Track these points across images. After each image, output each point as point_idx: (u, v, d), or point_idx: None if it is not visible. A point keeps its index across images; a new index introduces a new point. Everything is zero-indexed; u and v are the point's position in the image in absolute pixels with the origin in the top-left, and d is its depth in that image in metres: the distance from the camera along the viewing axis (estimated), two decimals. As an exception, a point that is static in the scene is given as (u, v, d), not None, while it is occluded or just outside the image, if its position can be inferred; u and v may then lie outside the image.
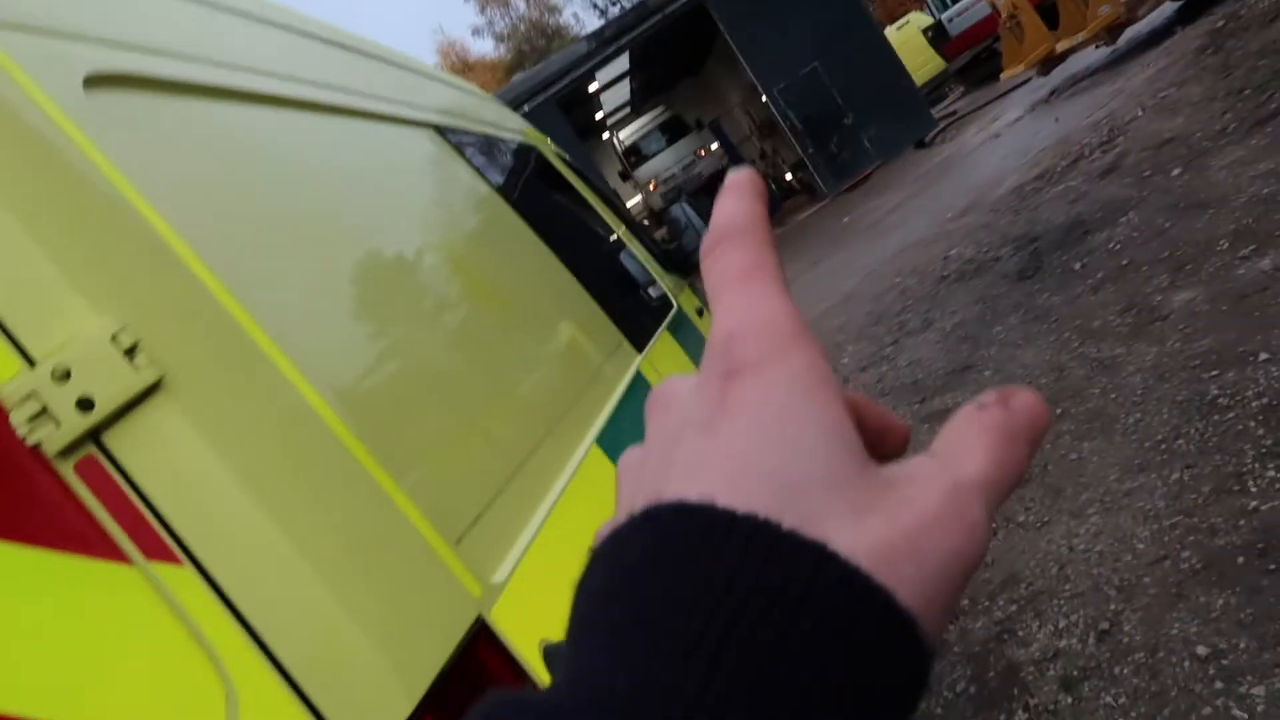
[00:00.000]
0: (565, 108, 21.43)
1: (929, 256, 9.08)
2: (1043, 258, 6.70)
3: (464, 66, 58.05)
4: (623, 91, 28.26)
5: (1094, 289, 5.56)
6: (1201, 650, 2.60)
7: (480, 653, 1.11)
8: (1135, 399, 4.06)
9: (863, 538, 0.27)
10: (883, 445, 0.37)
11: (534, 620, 1.24)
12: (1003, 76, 16.41)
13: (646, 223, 23.40)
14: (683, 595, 0.26)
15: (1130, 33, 13.42)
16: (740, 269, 0.33)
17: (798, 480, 0.28)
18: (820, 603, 0.26)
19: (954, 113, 21.73)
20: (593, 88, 23.99)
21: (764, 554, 0.26)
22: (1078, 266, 6.06)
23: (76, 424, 0.93)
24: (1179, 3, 13.01)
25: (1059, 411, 4.37)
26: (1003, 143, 13.46)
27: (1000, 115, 16.58)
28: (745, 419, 0.30)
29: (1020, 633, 3.10)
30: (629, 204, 25.92)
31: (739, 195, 0.36)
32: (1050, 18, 14.00)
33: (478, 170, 2.69)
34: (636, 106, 31.35)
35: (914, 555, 0.28)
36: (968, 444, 0.32)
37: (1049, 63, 14.58)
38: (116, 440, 0.96)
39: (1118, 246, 5.94)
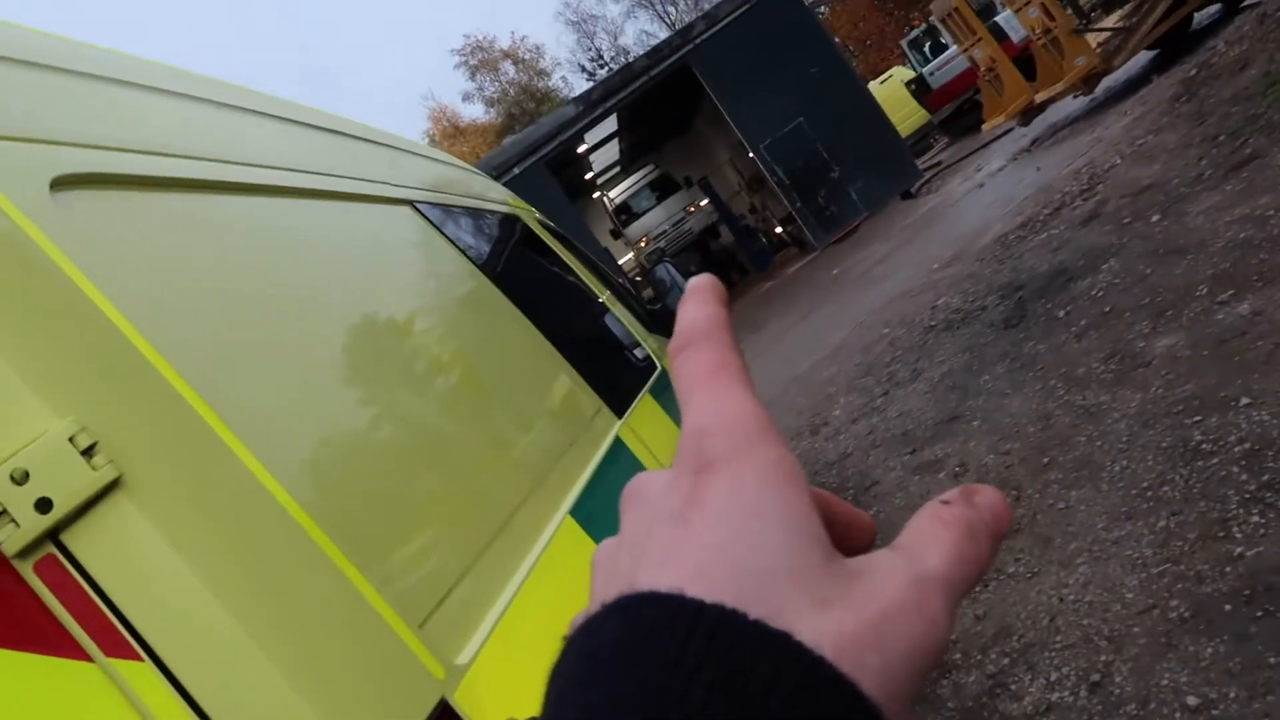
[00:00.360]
0: (555, 169, 21.65)
1: (917, 306, 9.14)
2: (1027, 306, 6.75)
3: (455, 131, 58.65)
4: (612, 151, 28.57)
5: (1078, 336, 5.59)
6: (1192, 700, 2.59)
7: None
8: (1121, 446, 4.08)
9: (827, 628, 0.28)
10: (850, 540, 0.37)
11: (498, 700, 1.24)
12: (984, 127, 16.65)
13: (639, 279, 23.51)
14: (652, 681, 0.26)
15: (1107, 82, 13.64)
16: (707, 370, 0.35)
17: (764, 572, 0.29)
18: (785, 691, 0.26)
19: (938, 163, 21.96)
20: (582, 149, 24.25)
21: (730, 643, 0.27)
22: (1062, 314, 6.10)
23: (35, 524, 0.94)
24: (1153, 52, 13.25)
25: (1046, 460, 4.38)
26: (986, 192, 13.61)
27: (983, 165, 16.76)
28: (715, 512, 0.30)
29: (1013, 686, 3.08)
30: (621, 261, 26.09)
31: (701, 300, 0.38)
32: (1028, 69, 14.25)
33: (456, 244, 2.71)
34: (626, 166, 31.70)
35: (877, 646, 0.28)
36: (931, 539, 0.33)
37: (1029, 113, 14.80)
38: (75, 539, 0.97)
39: (1100, 293, 5.99)
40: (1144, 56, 13.45)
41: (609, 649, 0.28)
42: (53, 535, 0.97)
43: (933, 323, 8.09)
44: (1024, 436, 4.79)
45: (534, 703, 1.11)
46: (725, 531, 0.30)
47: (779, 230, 26.62)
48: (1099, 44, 13.59)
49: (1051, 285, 6.80)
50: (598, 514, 2.03)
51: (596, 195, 31.43)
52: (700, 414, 0.33)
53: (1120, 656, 2.89)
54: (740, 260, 26.94)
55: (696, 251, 26.76)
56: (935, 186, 18.96)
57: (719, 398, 0.34)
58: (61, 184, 1.26)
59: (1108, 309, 5.66)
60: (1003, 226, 9.99)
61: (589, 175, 29.90)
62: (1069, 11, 13.39)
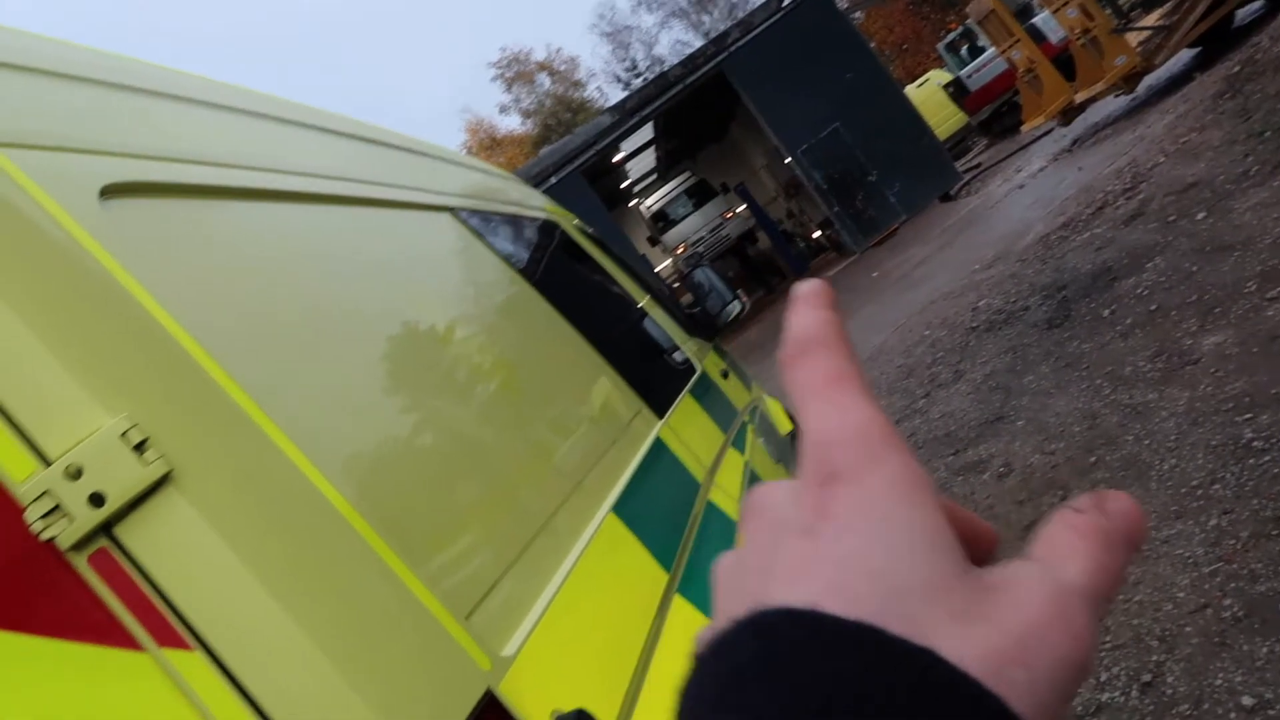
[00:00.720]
0: (592, 178, 21.74)
1: (958, 308, 9.07)
2: (1071, 306, 6.68)
3: (492, 143, 59.02)
4: (648, 159, 28.64)
5: (1124, 335, 5.52)
6: (1247, 701, 2.54)
7: None
8: (1169, 445, 4.02)
9: (970, 643, 0.27)
10: (972, 550, 0.36)
11: (544, 691, 1.25)
12: (1024, 128, 16.48)
13: (676, 285, 23.52)
14: (792, 700, 0.26)
15: (1149, 80, 13.46)
16: (824, 377, 0.34)
17: (901, 585, 0.28)
18: (932, 709, 0.25)
19: (978, 165, 21.77)
20: (618, 157, 24.32)
21: (872, 659, 0.26)
22: (1106, 313, 6.03)
23: (89, 519, 0.96)
24: (1195, 50, 13.06)
25: (1093, 459, 4.32)
26: (1027, 193, 13.48)
27: (1024, 166, 16.60)
28: (845, 525, 0.30)
29: (1062, 688, 3.04)
30: (658, 268, 26.10)
31: (813, 305, 0.37)
32: (1067, 69, 14.10)
33: (495, 249, 2.74)
34: (662, 173, 31.74)
35: (1023, 662, 0.27)
36: (1067, 549, 0.32)
37: (1069, 113, 14.63)
38: (127, 533, 0.99)
39: (1146, 292, 5.91)
40: (1186, 54, 13.25)
41: (746, 668, 0.28)
42: (106, 529, 0.99)
43: (974, 324, 8.03)
44: (1069, 436, 4.74)
45: (579, 694, 1.12)
46: (858, 545, 0.29)
47: (816, 235, 26.51)
48: (1139, 43, 13.41)
49: (1095, 285, 6.72)
50: (640, 511, 2.03)
51: (633, 204, 31.50)
52: (822, 424, 0.33)
53: (1172, 656, 2.85)
54: (778, 265, 26.87)
55: (734, 257, 26.72)
56: (975, 188, 18.80)
57: (840, 406, 0.33)
58: (110, 192, 1.29)
59: (1154, 307, 5.59)
60: (1044, 227, 9.89)
61: (625, 184, 29.99)
62: (1108, 11, 13.25)
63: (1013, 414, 5.55)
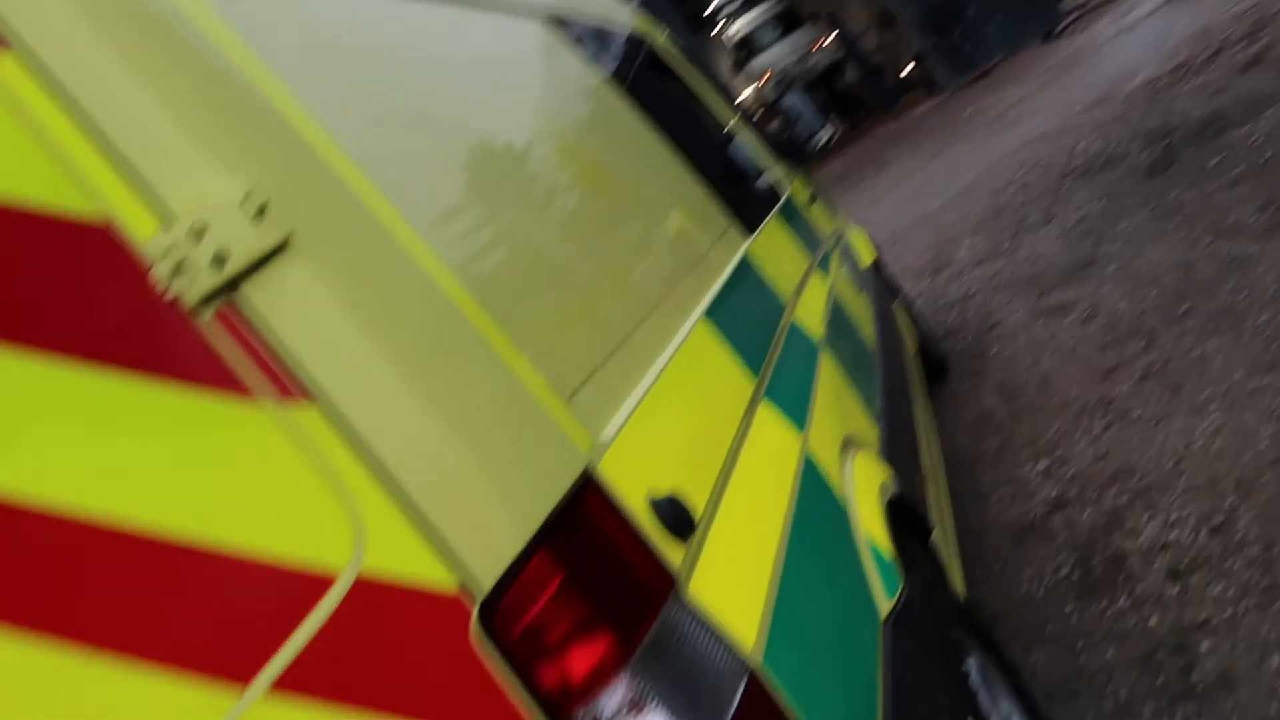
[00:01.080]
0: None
1: (1054, 150, 8.74)
2: (1176, 153, 6.39)
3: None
4: (735, -18, 27.47)
5: (1230, 185, 5.29)
6: (1320, 548, 2.54)
7: (588, 500, 1.17)
8: (1268, 298, 3.89)
9: None
10: None
11: (639, 474, 1.29)
12: (1142, -38, 15.43)
13: (761, 112, 22.85)
14: None
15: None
16: None
17: None
18: None
19: (1085, 3, 20.52)
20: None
21: None
22: (1213, 162, 5.76)
23: (212, 277, 1.00)
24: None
25: (1184, 309, 4.22)
26: (1137, 35, 12.70)
27: (1136, 6, 15.58)
28: None
29: (1129, 524, 3.06)
30: (741, 97, 25.41)
31: None
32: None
33: (589, 58, 2.70)
34: (749, -1, 30.46)
35: None
36: None
37: (1193, -53, 13.62)
38: (249, 292, 1.02)
39: (1259, 142, 5.61)
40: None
41: None
42: (228, 288, 1.02)
43: (1070, 168, 7.75)
44: (1161, 284, 4.61)
45: (671, 480, 1.15)
46: None
47: (908, 70, 25.45)
48: None
49: (1204, 132, 6.40)
50: (729, 321, 2.06)
51: (715, 31, 30.42)
52: None
53: (1247, 502, 2.83)
54: (865, 99, 25.97)
55: (821, 89, 25.84)
56: (1081, 28, 17.78)
57: None
58: None
59: (1266, 157, 5.32)
60: (1154, 70, 9.36)
61: (709, 10, 28.87)
62: None
63: (1103, 260, 5.40)
